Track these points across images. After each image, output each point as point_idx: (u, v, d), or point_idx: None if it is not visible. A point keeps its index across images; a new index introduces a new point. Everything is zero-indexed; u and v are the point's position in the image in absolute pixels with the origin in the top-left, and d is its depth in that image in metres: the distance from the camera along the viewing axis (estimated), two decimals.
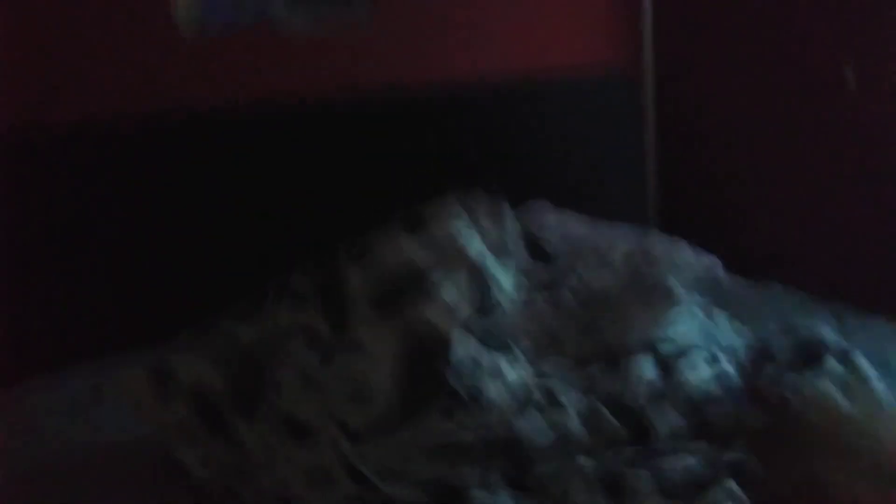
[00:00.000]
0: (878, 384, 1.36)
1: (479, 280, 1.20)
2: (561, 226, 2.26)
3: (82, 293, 1.75)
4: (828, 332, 1.48)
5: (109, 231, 1.75)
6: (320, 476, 0.99)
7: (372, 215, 1.51)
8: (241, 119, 1.95)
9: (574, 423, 1.24)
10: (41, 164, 1.71)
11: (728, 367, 1.43)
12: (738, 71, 2.42)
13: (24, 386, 1.63)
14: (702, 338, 1.51)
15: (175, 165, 1.76)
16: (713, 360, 1.43)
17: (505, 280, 1.28)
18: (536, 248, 1.98)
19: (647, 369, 1.37)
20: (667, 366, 1.40)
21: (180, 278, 1.66)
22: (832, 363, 1.37)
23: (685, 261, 2.24)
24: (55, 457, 1.39)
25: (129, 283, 1.70)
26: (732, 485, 1.04)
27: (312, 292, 1.24)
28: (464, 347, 1.14)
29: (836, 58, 2.06)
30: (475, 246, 1.22)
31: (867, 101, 2.01)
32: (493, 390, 1.15)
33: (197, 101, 1.92)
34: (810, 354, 1.40)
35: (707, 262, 2.28)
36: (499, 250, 1.31)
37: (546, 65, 2.48)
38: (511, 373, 1.19)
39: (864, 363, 1.38)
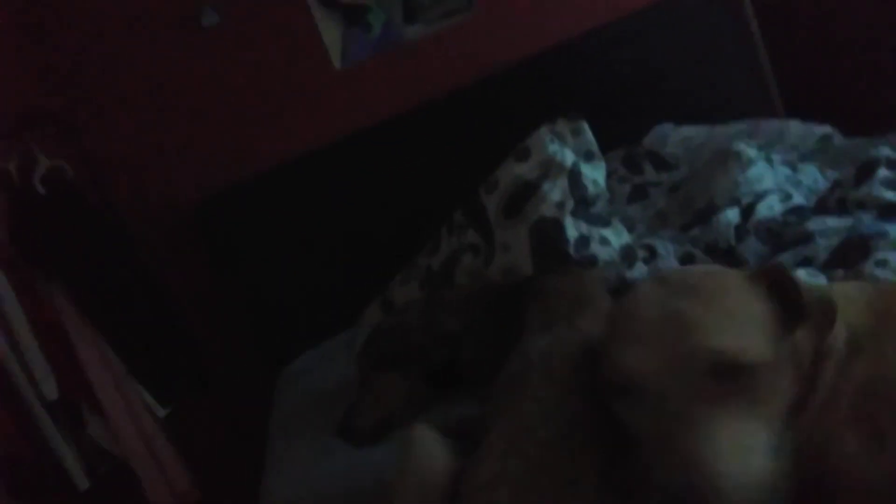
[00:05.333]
0: None
1: (577, 181, 1.66)
2: (683, 139, 2.62)
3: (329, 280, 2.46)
4: (885, 151, 1.76)
5: (339, 227, 2.44)
6: None
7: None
8: (401, 121, 2.54)
9: (675, 265, 1.67)
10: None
11: (800, 200, 1.77)
12: None
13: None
14: (780, 184, 1.85)
15: (367, 165, 2.44)
16: (786, 197, 1.78)
17: (599, 177, 1.73)
18: (659, 161, 2.42)
19: (732, 216, 1.75)
20: (748, 210, 1.77)
21: (387, 239, 2.33)
22: (882, 171, 1.67)
23: (795, 134, 2.51)
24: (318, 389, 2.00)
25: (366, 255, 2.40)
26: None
27: (468, 222, 1.78)
28: (575, 228, 1.61)
29: None
30: (569, 157, 1.68)
31: None
32: (604, 253, 1.62)
33: (364, 113, 2.57)
34: (865, 171, 1.70)
35: (821, 130, 2.53)
36: (588, 157, 1.76)
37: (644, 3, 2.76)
38: (616, 240, 1.65)
39: None
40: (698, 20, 2.86)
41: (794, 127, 2.53)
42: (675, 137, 2.62)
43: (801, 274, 1.38)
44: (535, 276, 1.50)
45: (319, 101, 2.60)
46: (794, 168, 1.96)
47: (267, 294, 2.41)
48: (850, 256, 1.38)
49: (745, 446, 0.76)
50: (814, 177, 1.95)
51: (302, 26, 2.55)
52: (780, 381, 0.81)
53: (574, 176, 1.65)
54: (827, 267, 1.41)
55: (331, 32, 2.66)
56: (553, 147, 1.67)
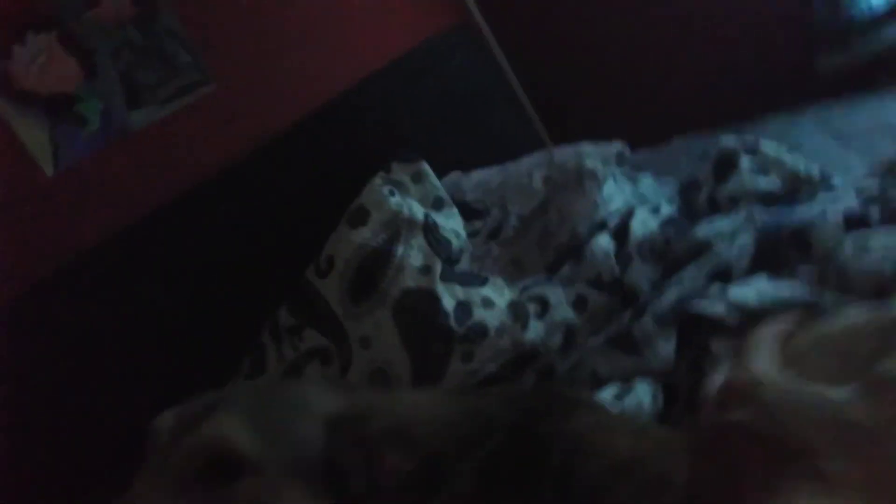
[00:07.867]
0: (790, 157, 1.53)
1: (437, 236, 1.30)
2: (478, 184, 2.39)
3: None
4: (730, 141, 1.64)
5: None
6: None
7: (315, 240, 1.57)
8: (152, 220, 1.97)
9: (570, 315, 1.36)
10: None
11: (669, 210, 1.58)
12: None
13: None
14: (637, 198, 1.66)
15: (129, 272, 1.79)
16: (655, 210, 1.58)
17: (457, 226, 1.39)
18: (469, 211, 2.12)
19: (605, 243, 1.51)
20: (621, 233, 1.54)
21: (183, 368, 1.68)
22: (745, 161, 1.53)
23: (592, 154, 2.40)
24: None
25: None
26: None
27: (301, 320, 1.32)
28: (450, 295, 1.24)
29: None
30: (418, 210, 1.31)
31: None
32: (493, 318, 1.26)
33: (96, 224, 1.94)
34: (725, 164, 1.56)
35: (612, 147, 2.45)
36: (438, 204, 1.41)
37: (395, 53, 2.57)
38: (500, 298, 1.30)
39: (770, 147, 1.54)
40: (449, 62, 2.73)
41: (588, 147, 2.42)
42: (469, 184, 2.38)
43: (742, 292, 1.13)
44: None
45: (30, 218, 1.93)
46: (633, 181, 1.78)
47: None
48: (785, 256, 1.16)
49: None
50: (653, 188, 1.78)
51: None
52: None
53: (430, 231, 1.28)
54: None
55: (34, 134, 2.02)
56: (395, 200, 1.29)
